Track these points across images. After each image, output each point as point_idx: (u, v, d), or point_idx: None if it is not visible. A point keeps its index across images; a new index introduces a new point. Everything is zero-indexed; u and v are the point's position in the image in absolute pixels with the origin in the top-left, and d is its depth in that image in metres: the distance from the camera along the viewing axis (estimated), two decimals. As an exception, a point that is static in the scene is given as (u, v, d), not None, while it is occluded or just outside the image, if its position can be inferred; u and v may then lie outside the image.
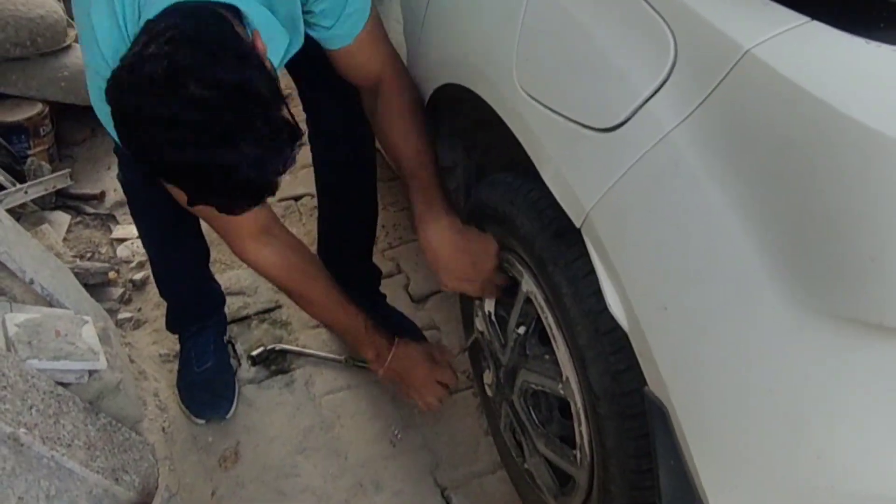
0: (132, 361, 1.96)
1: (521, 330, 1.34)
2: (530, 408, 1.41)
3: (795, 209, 0.84)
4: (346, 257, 1.94)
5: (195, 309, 1.98)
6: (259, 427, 1.85)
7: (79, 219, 2.51)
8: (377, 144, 1.75)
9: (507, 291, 1.41)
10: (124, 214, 2.45)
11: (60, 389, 1.57)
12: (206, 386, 1.90)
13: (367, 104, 1.56)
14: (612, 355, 1.09)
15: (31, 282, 1.77)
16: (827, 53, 0.84)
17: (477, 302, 1.52)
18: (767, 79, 0.84)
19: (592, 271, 1.05)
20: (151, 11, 1.07)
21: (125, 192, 1.83)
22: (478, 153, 1.70)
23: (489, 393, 1.56)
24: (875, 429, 0.87)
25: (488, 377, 1.52)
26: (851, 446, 0.89)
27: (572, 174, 1.05)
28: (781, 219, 0.85)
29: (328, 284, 1.61)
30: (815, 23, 0.86)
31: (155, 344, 2.09)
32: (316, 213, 2.10)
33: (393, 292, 2.13)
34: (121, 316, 2.15)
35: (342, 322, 1.65)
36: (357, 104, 1.60)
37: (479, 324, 1.51)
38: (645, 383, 1.02)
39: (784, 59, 0.84)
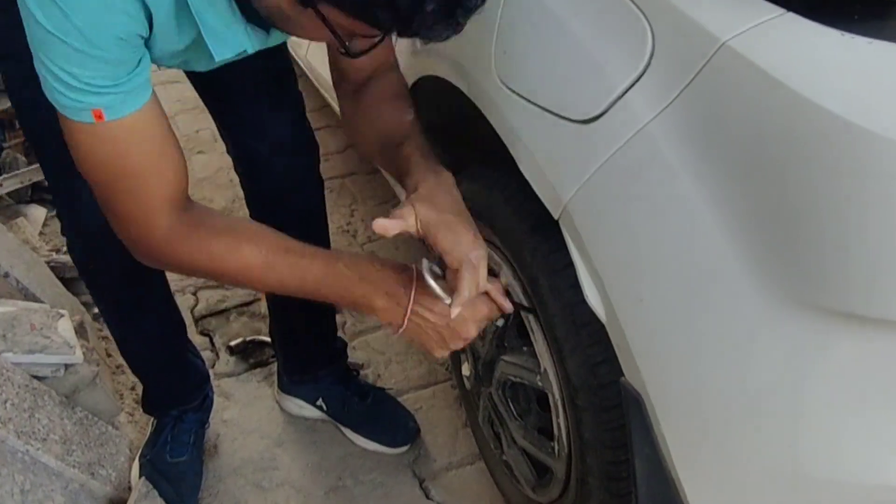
0: (109, 355, 1.95)
1: (500, 322, 1.34)
2: (508, 400, 1.41)
3: (769, 200, 0.84)
4: (304, 331, 1.74)
5: (173, 389, 1.71)
6: (237, 420, 1.84)
7: (54, 212, 2.49)
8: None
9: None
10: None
11: (36, 383, 1.56)
12: (176, 479, 1.66)
13: (348, 88, 1.29)
14: (589, 347, 1.09)
15: (6, 275, 1.75)
16: (802, 45, 0.84)
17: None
18: (743, 70, 0.85)
19: (570, 264, 1.06)
20: None
21: (73, 258, 1.48)
22: (457, 145, 1.70)
23: (467, 385, 1.56)
24: (847, 417, 0.89)
25: (466, 369, 1.52)
26: (824, 435, 0.90)
27: (550, 166, 1.05)
28: (756, 210, 0.86)
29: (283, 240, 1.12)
30: (791, 14, 0.86)
31: (132, 337, 2.07)
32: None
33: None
34: (97, 310, 2.14)
35: (329, 278, 1.11)
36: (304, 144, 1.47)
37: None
38: (622, 374, 1.02)
39: (760, 51, 0.84)
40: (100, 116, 0.95)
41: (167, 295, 1.60)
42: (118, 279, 1.45)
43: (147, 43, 0.98)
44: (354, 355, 1.95)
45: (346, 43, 0.91)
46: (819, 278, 0.83)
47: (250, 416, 1.85)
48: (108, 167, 1.01)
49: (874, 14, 0.83)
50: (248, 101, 1.46)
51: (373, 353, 1.96)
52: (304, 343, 1.77)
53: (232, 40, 1.00)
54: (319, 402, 1.80)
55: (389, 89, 1.28)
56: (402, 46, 1.52)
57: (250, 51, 1.03)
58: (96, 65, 0.92)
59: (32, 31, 0.91)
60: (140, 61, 0.97)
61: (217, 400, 1.86)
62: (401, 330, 1.13)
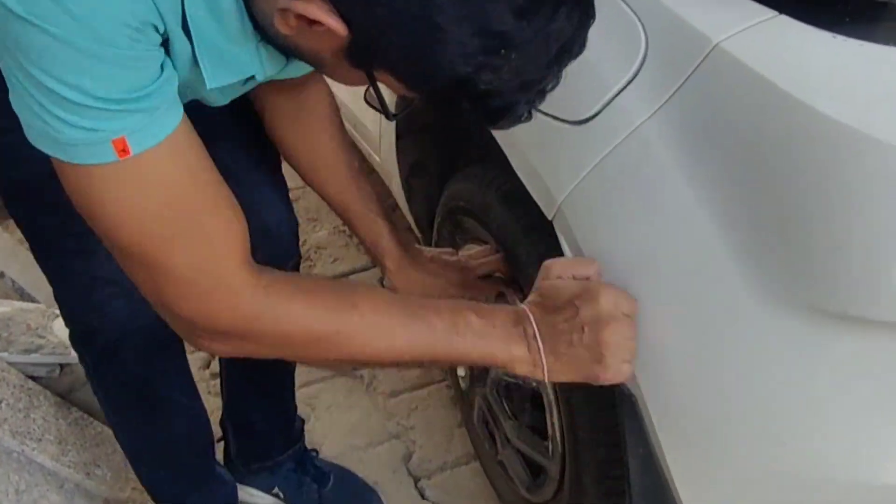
0: (104, 355, 1.95)
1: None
2: (503, 399, 1.42)
3: (764, 202, 0.85)
4: (264, 415, 1.52)
5: None
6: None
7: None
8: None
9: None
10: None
11: (31, 383, 1.56)
12: None
13: (279, 112, 1.15)
14: (583, 347, 1.10)
15: (2, 275, 1.76)
16: (794, 47, 0.85)
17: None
18: (736, 72, 0.85)
19: (564, 264, 1.06)
20: None
21: (81, 360, 1.23)
22: (452, 145, 1.71)
23: (462, 385, 1.56)
24: (845, 417, 0.89)
25: (462, 370, 1.53)
26: (820, 435, 0.91)
27: (544, 166, 1.06)
28: (750, 212, 0.86)
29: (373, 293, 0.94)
30: (783, 17, 0.87)
31: (127, 337, 2.06)
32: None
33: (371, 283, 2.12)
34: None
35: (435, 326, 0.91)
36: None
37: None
38: (615, 374, 1.03)
39: (752, 53, 0.85)
40: (124, 150, 0.71)
41: (193, 391, 1.30)
42: (131, 374, 1.17)
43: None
44: (349, 356, 1.95)
45: (388, 109, 0.79)
46: (813, 279, 0.83)
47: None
48: (146, 222, 0.75)
49: (865, 16, 0.84)
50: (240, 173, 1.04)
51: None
52: (262, 429, 1.54)
53: (235, 62, 0.79)
54: (276, 490, 1.62)
55: (331, 113, 1.19)
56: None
57: (260, 79, 0.83)
58: (110, 69, 0.68)
59: (13, 34, 0.66)
60: (163, 67, 0.74)
61: (213, 400, 1.85)
62: (545, 370, 0.93)
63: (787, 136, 0.82)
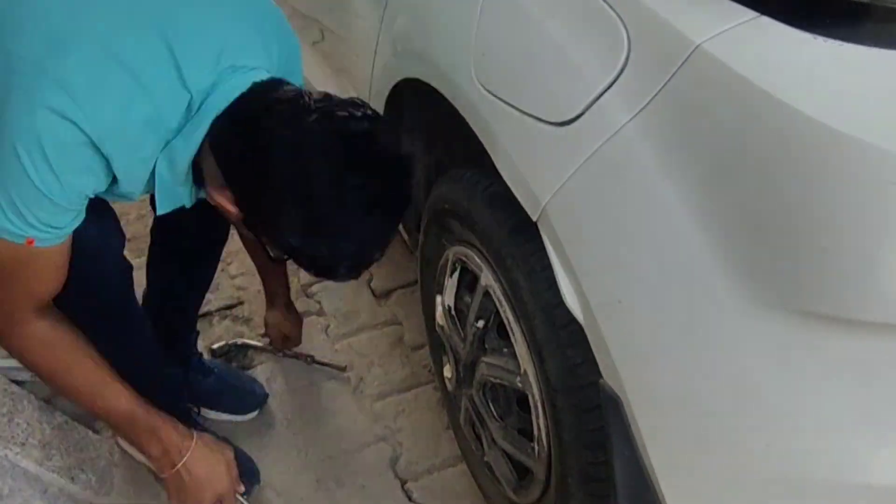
0: (89, 359, 1.93)
1: (480, 324, 1.34)
2: (489, 401, 1.41)
3: (746, 203, 0.85)
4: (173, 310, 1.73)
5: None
6: (219, 423, 1.83)
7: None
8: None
9: (468, 286, 1.42)
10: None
11: (15, 387, 1.55)
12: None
13: None
14: (568, 349, 1.10)
15: (-16, 278, 1.74)
16: (775, 48, 0.85)
17: (437, 296, 1.52)
18: (718, 73, 0.86)
19: (549, 266, 1.06)
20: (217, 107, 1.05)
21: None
22: (438, 147, 1.71)
23: (449, 387, 1.56)
24: (827, 417, 0.89)
25: (448, 371, 1.52)
26: (804, 435, 0.91)
27: (528, 168, 1.06)
28: (733, 213, 0.86)
29: (101, 363, 1.26)
30: (764, 18, 0.87)
31: (113, 341, 2.05)
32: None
33: (355, 288, 2.12)
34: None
35: (121, 408, 1.27)
36: None
37: (440, 318, 1.51)
38: (601, 376, 1.03)
39: (734, 54, 0.85)
40: (31, 243, 1.08)
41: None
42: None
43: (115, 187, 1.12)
44: (337, 358, 1.94)
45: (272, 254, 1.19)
46: (798, 282, 0.83)
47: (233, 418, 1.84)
48: (9, 270, 1.12)
49: (845, 17, 0.84)
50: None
51: (355, 356, 1.96)
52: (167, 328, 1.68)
53: (175, 197, 1.17)
54: None
55: None
56: (382, 48, 1.53)
57: (188, 205, 1.20)
58: (59, 213, 1.07)
59: (14, 176, 1.01)
60: (82, 209, 1.11)
61: (199, 403, 1.85)
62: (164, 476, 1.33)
63: (771, 138, 0.82)
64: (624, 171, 0.94)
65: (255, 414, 1.82)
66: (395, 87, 1.49)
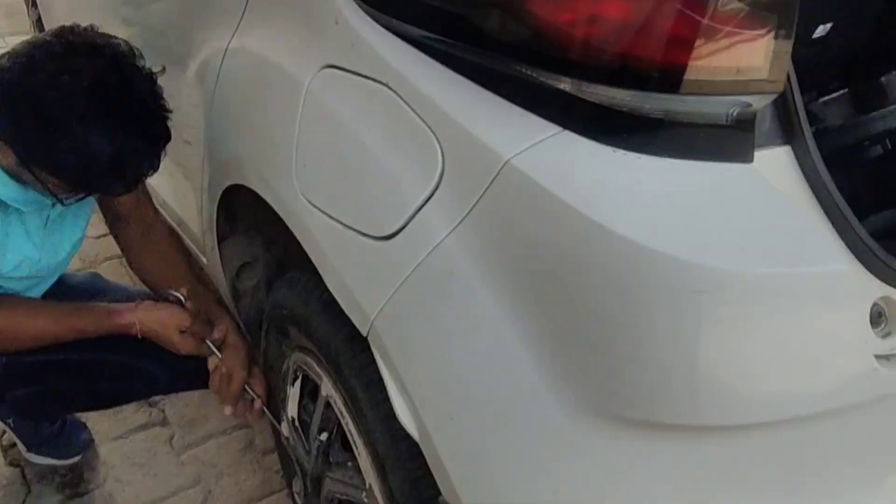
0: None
1: (324, 436, 1.30)
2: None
3: (562, 314, 0.86)
4: None
5: None
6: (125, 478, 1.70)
7: None
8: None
9: (311, 395, 1.37)
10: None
11: None
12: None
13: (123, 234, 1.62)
14: (410, 462, 1.07)
15: None
16: (578, 161, 0.87)
17: (282, 407, 1.47)
18: (526, 187, 0.87)
19: (384, 377, 1.04)
20: None
21: None
22: (278, 247, 1.67)
23: (299, 502, 1.49)
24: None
25: (297, 485, 1.46)
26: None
27: (355, 283, 1.04)
28: (552, 324, 0.87)
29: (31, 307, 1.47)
30: (567, 133, 0.89)
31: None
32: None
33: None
34: None
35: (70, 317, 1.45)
36: None
37: (285, 429, 1.46)
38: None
39: (540, 168, 0.87)
40: None
41: None
42: None
43: None
44: (183, 472, 1.83)
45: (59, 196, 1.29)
46: (614, 390, 0.85)
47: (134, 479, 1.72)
48: None
49: (641, 131, 0.87)
50: None
51: (202, 468, 1.86)
52: None
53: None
54: (10, 420, 1.83)
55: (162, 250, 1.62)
56: (211, 152, 1.49)
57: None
58: None
59: None
60: None
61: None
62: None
63: (576, 250, 0.84)
64: (448, 285, 0.94)
65: (77, 459, 1.84)
66: (226, 190, 1.45)
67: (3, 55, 1.24)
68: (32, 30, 3.20)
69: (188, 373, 1.59)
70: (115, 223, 1.61)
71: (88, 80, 1.20)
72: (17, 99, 1.20)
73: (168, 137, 1.30)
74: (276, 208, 1.21)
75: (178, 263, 1.62)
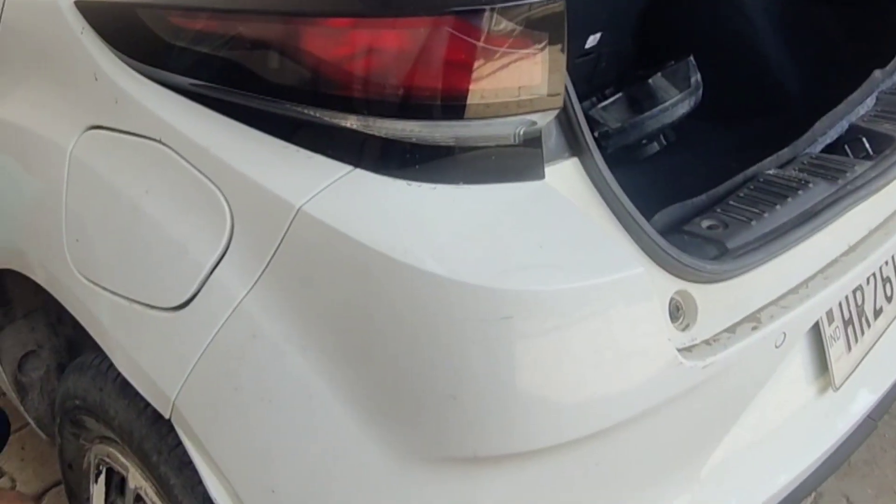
0: None
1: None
2: None
3: (375, 360, 0.82)
4: None
5: None
6: None
7: None
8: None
9: (118, 490, 1.24)
10: None
11: None
12: None
13: None
14: (238, 545, 0.98)
15: None
16: (372, 198, 0.83)
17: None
18: (321, 233, 0.82)
19: (197, 458, 0.95)
20: None
21: None
22: (67, 327, 1.52)
23: None
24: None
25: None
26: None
27: (148, 362, 0.94)
28: (366, 372, 0.83)
29: None
30: (359, 170, 0.85)
31: None
32: None
33: None
34: None
35: None
36: None
37: (95, 531, 1.31)
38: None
39: (334, 211, 0.83)
40: None
41: None
42: None
43: None
44: None
45: None
46: (434, 428, 0.81)
47: None
48: None
49: (433, 160, 0.85)
50: None
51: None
52: None
53: None
54: None
55: None
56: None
57: None
58: None
59: None
60: None
61: None
62: None
63: (382, 292, 0.80)
64: (252, 350, 0.87)
65: None
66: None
67: None
68: None
69: None
70: None
71: None
72: None
73: None
74: (50, 291, 1.09)
75: None
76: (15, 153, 1.18)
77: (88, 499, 1.30)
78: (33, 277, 1.12)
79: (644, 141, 1.47)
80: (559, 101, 0.85)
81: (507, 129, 0.84)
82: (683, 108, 1.44)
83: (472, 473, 0.83)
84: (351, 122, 0.84)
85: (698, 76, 1.47)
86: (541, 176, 0.86)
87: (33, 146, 1.12)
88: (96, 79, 1.01)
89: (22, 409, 1.57)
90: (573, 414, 0.85)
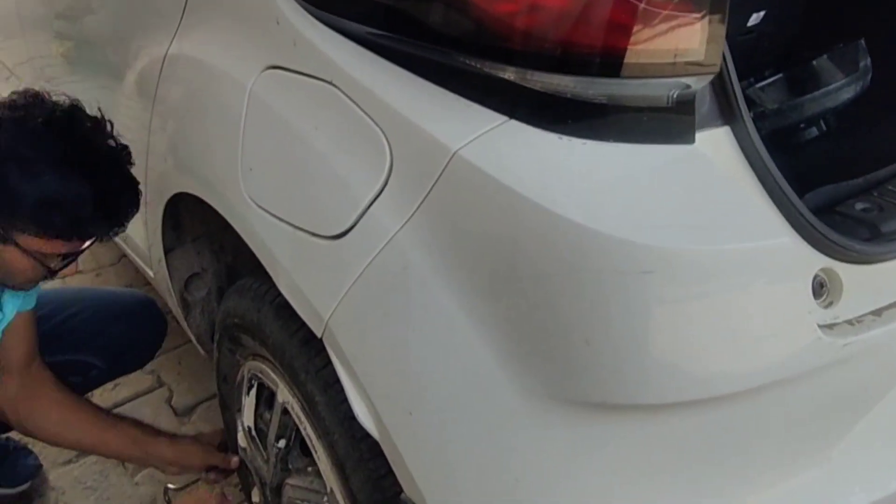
0: None
1: (282, 443, 1.28)
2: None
3: (516, 301, 0.87)
4: None
5: None
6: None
7: None
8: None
9: (267, 403, 1.36)
10: None
11: None
12: None
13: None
14: (370, 461, 1.06)
15: None
16: (525, 150, 0.88)
17: (238, 416, 1.45)
18: (475, 177, 0.87)
19: (342, 378, 1.03)
20: None
21: None
22: (227, 255, 1.65)
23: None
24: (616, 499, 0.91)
25: (256, 496, 1.44)
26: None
27: (307, 284, 1.03)
28: (506, 312, 0.87)
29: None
30: (513, 121, 0.90)
31: None
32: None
33: (155, 407, 1.99)
34: None
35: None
36: None
37: (242, 439, 1.43)
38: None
39: (488, 158, 0.87)
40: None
41: None
42: None
43: None
44: (138, 493, 1.79)
45: (49, 265, 1.30)
46: (568, 372, 0.85)
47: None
48: None
49: (585, 116, 0.88)
50: None
51: (158, 486, 1.82)
52: None
53: None
54: None
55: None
56: (153, 162, 1.46)
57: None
58: None
59: None
60: None
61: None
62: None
63: (527, 237, 0.84)
64: (401, 281, 0.93)
65: (26, 486, 1.80)
66: (170, 199, 1.42)
67: None
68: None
69: (121, 354, 1.67)
70: None
71: (57, 127, 1.23)
72: None
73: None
74: (223, 214, 1.20)
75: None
76: (200, 87, 1.29)
77: (240, 409, 1.42)
78: (209, 201, 1.23)
79: (802, 125, 1.43)
80: (715, 69, 0.86)
81: (661, 90, 0.85)
82: (848, 93, 1.38)
83: (599, 419, 0.87)
84: (509, 73, 0.88)
85: (868, 60, 1.41)
86: (691, 140, 0.87)
87: (217, 81, 1.23)
88: (278, 23, 1.10)
89: (185, 325, 1.73)
90: (703, 374, 0.86)
